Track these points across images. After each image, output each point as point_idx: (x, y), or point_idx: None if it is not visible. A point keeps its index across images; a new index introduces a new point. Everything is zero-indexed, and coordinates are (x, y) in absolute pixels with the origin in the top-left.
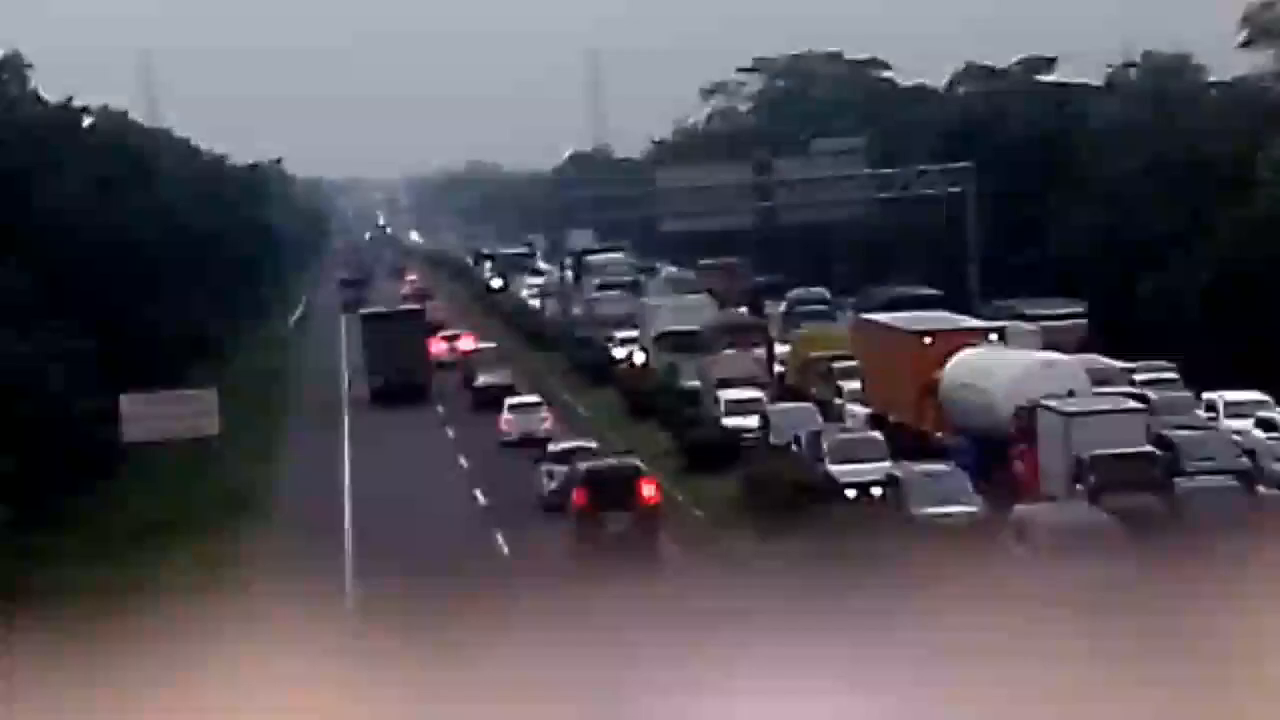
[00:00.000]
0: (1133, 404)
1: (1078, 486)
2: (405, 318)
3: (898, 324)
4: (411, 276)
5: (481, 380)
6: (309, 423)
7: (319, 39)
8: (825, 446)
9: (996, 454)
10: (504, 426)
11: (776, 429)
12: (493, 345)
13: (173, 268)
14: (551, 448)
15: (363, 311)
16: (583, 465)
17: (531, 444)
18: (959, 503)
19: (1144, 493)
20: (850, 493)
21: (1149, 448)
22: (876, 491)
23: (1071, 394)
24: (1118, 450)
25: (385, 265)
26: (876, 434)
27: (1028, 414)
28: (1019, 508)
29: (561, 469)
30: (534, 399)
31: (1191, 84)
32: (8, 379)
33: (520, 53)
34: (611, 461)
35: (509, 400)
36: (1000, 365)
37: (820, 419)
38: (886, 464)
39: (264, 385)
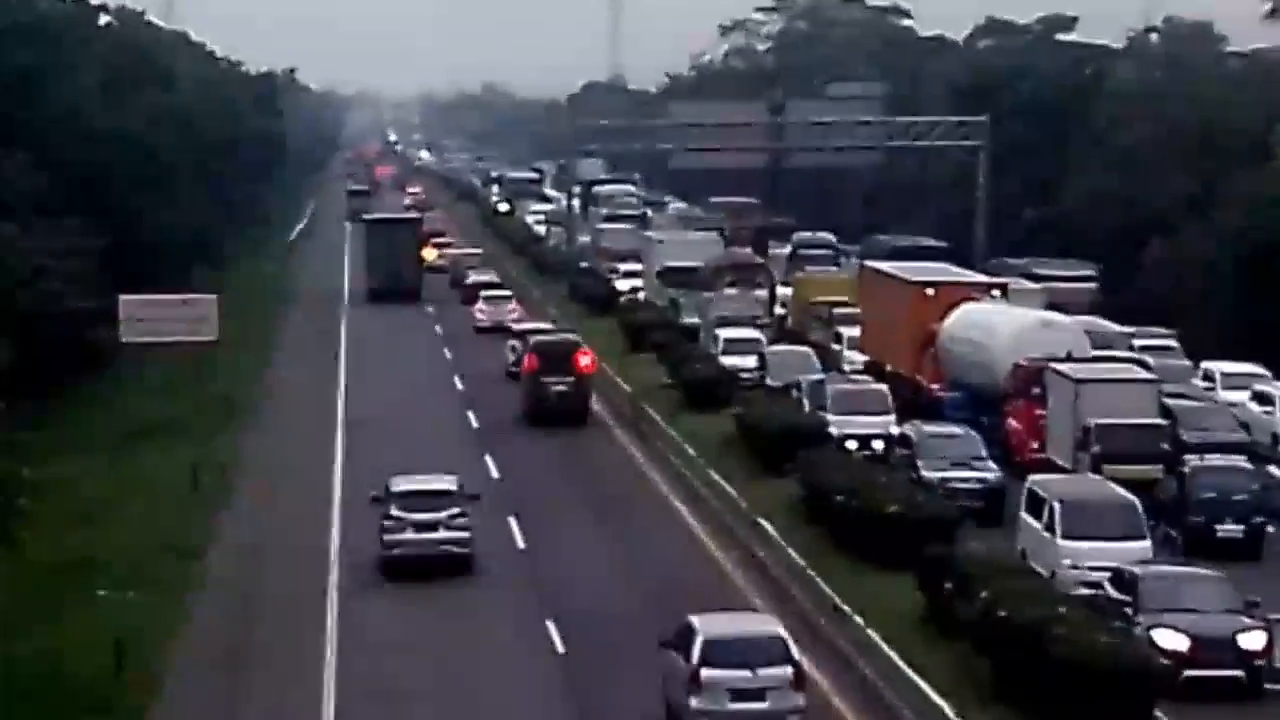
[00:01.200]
0: (1144, 374)
1: (1081, 454)
2: (403, 224)
3: (901, 274)
4: (414, 189)
5: (470, 279)
6: (307, 328)
7: None
8: (828, 396)
9: (990, 409)
10: (478, 315)
11: (774, 370)
12: (478, 250)
13: (182, 171)
14: (515, 328)
15: (364, 217)
16: (534, 339)
17: (501, 330)
18: (972, 468)
19: (1149, 465)
20: (850, 444)
21: (1158, 420)
22: (878, 446)
23: (1070, 355)
24: (1126, 420)
25: (391, 179)
26: (881, 386)
27: (1024, 371)
28: (1033, 479)
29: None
30: (506, 292)
31: (1211, 52)
32: (7, 272)
33: None
34: (557, 338)
35: (483, 292)
36: (1000, 321)
37: (818, 363)
38: (890, 418)
39: (265, 292)
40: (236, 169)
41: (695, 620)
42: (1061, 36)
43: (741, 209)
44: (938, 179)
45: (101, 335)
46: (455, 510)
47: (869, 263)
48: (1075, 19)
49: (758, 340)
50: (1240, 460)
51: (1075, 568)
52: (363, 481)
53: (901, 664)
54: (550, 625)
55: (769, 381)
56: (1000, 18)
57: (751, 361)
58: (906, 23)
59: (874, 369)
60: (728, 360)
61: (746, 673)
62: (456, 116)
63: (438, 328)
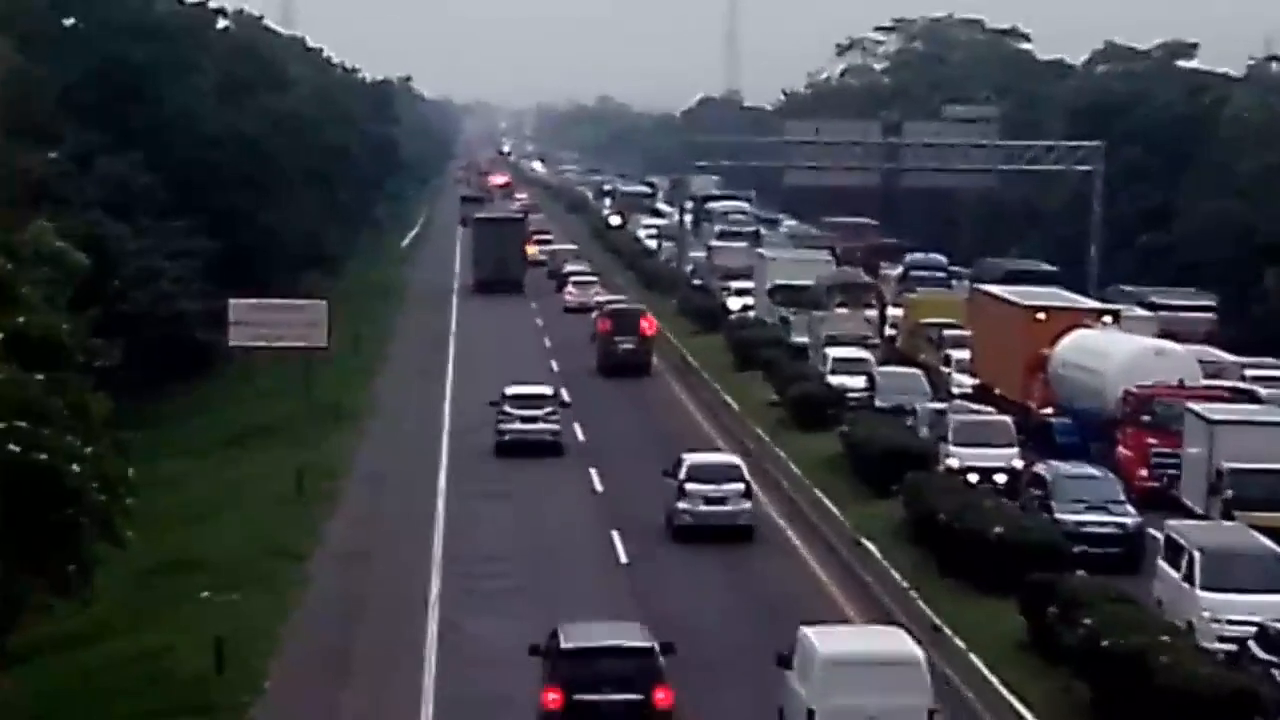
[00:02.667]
0: None
1: (1213, 498)
2: (509, 223)
3: (1012, 298)
4: (521, 196)
5: (566, 270)
6: (417, 334)
7: None
8: (950, 426)
9: (1100, 435)
10: (566, 297)
11: (883, 392)
12: (574, 246)
13: (295, 176)
14: (598, 302)
15: (474, 216)
16: (607, 307)
17: (587, 309)
18: (1110, 512)
19: None
20: (972, 478)
21: None
22: (1000, 479)
23: (1181, 384)
24: (1262, 465)
25: (501, 190)
26: (1005, 418)
27: (1135, 398)
28: (1171, 525)
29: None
30: (592, 277)
31: None
32: (121, 272)
33: None
34: (626, 306)
35: (573, 278)
36: (1112, 347)
37: (927, 385)
38: (1014, 450)
39: (377, 297)
40: (350, 175)
41: (683, 455)
42: (1181, 63)
43: (854, 229)
44: (1052, 203)
45: (211, 338)
46: (550, 409)
47: (980, 286)
48: (1195, 46)
49: (867, 360)
50: None
51: (1216, 621)
52: (465, 492)
53: (1001, 688)
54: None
55: (877, 403)
56: (1120, 43)
57: (860, 381)
58: (1025, 46)
59: (984, 392)
60: (836, 379)
61: (713, 486)
62: (570, 128)
63: (536, 314)
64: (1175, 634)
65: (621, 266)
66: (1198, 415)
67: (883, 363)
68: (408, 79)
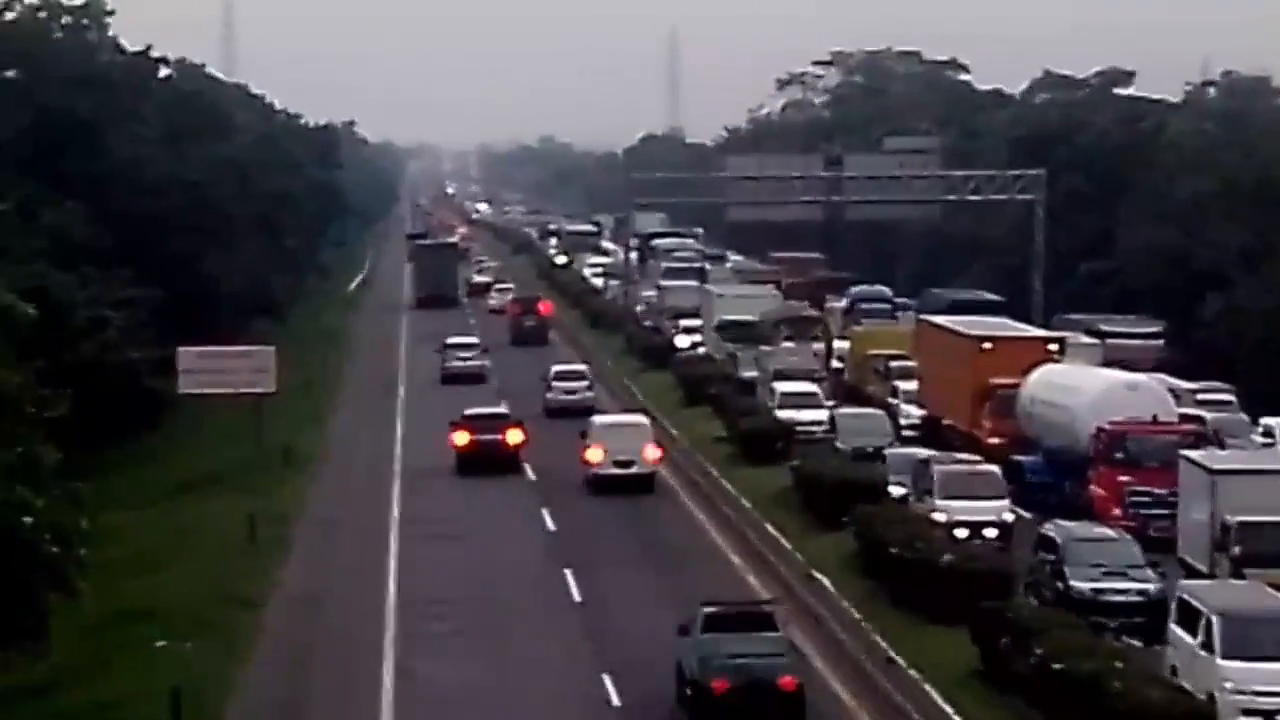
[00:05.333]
0: None
1: (1219, 554)
2: (444, 248)
3: (958, 328)
4: (462, 230)
5: (489, 282)
6: (366, 376)
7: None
8: (934, 478)
9: (1072, 473)
10: (490, 301)
11: (844, 433)
12: (497, 263)
13: (240, 223)
14: (516, 299)
15: (416, 242)
16: (518, 297)
17: (503, 311)
18: (1129, 577)
19: None
20: (961, 533)
21: None
22: (990, 534)
23: (1155, 419)
24: (1271, 518)
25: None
26: (993, 468)
27: (1108, 435)
28: (1185, 586)
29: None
30: (510, 285)
31: (1270, 107)
32: (66, 323)
33: (599, 32)
34: (529, 294)
35: (495, 287)
36: (1083, 382)
37: (890, 427)
38: (1004, 503)
39: (325, 344)
40: (295, 220)
41: (593, 418)
42: (1119, 91)
43: (799, 263)
44: (995, 233)
45: (160, 386)
46: (476, 352)
47: (927, 317)
48: (1133, 73)
49: (815, 394)
50: None
51: (1240, 693)
52: (418, 534)
53: (955, 717)
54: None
55: (838, 445)
56: (1058, 72)
57: (808, 415)
58: (964, 77)
59: (932, 423)
60: (784, 414)
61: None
62: (514, 168)
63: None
64: (1127, 659)
65: (568, 305)
66: (1197, 465)
67: (830, 396)
68: (350, 123)
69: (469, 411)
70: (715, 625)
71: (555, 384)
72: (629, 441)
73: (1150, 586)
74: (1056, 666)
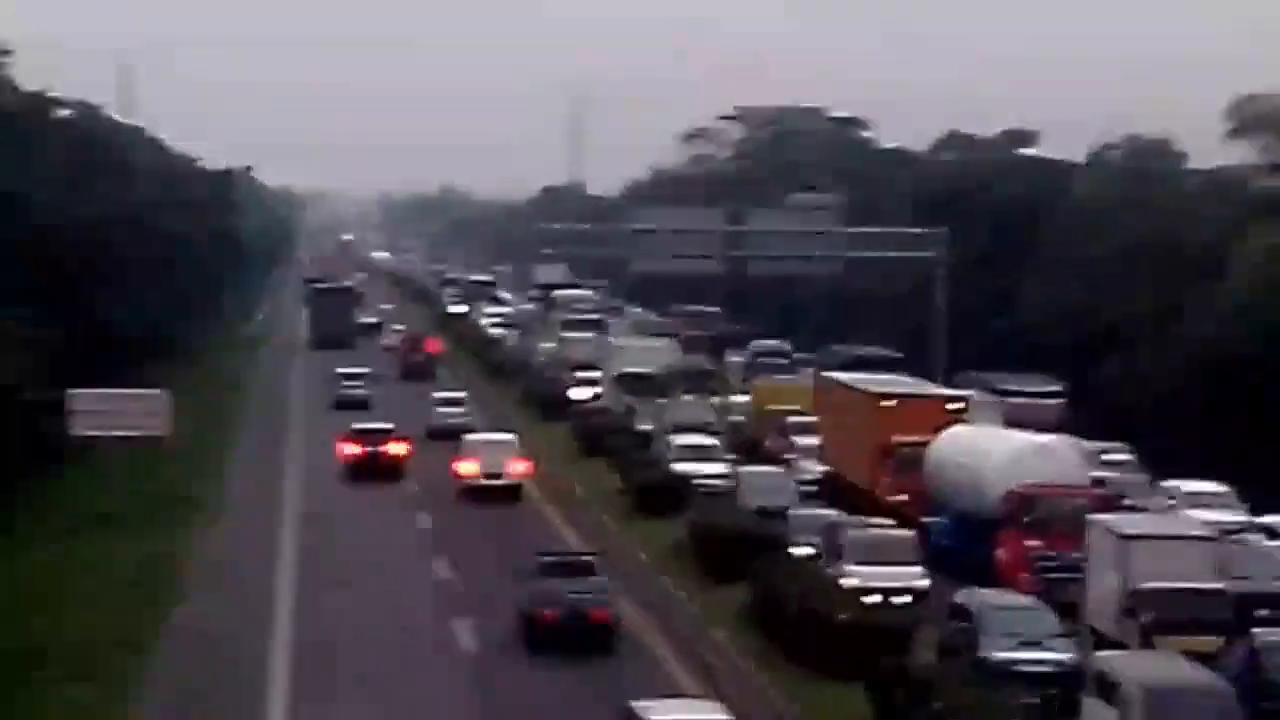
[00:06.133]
0: (1203, 530)
1: (1128, 620)
2: (340, 291)
3: (860, 385)
4: (359, 275)
5: (396, 327)
6: (257, 423)
7: (298, 43)
8: (845, 543)
9: (980, 537)
10: (384, 340)
11: (747, 492)
12: (391, 306)
13: (138, 266)
14: (406, 336)
15: (309, 283)
16: (408, 334)
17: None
18: (1046, 647)
19: (1208, 635)
20: (873, 599)
21: (1220, 584)
22: (898, 600)
23: (1065, 483)
24: (1181, 584)
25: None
26: (908, 533)
27: (1018, 498)
28: (1102, 658)
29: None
30: (401, 328)
31: (1172, 169)
32: None
33: (502, 82)
34: (417, 332)
35: (392, 328)
36: (993, 444)
37: (795, 486)
38: (918, 569)
39: (219, 388)
40: (193, 265)
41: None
42: (1023, 151)
43: (700, 316)
44: (897, 290)
45: (53, 429)
46: (364, 380)
47: (828, 373)
48: (1037, 134)
49: (712, 447)
50: None
51: None
52: (309, 579)
53: None
54: None
55: (741, 503)
56: (963, 131)
57: (705, 468)
58: (867, 134)
59: (832, 480)
60: (681, 467)
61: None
62: (414, 217)
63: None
64: (1025, 716)
65: (466, 355)
66: (1108, 529)
67: (728, 450)
68: (249, 169)
69: (357, 426)
70: (547, 570)
71: (437, 409)
72: (498, 456)
73: (1066, 657)
74: None
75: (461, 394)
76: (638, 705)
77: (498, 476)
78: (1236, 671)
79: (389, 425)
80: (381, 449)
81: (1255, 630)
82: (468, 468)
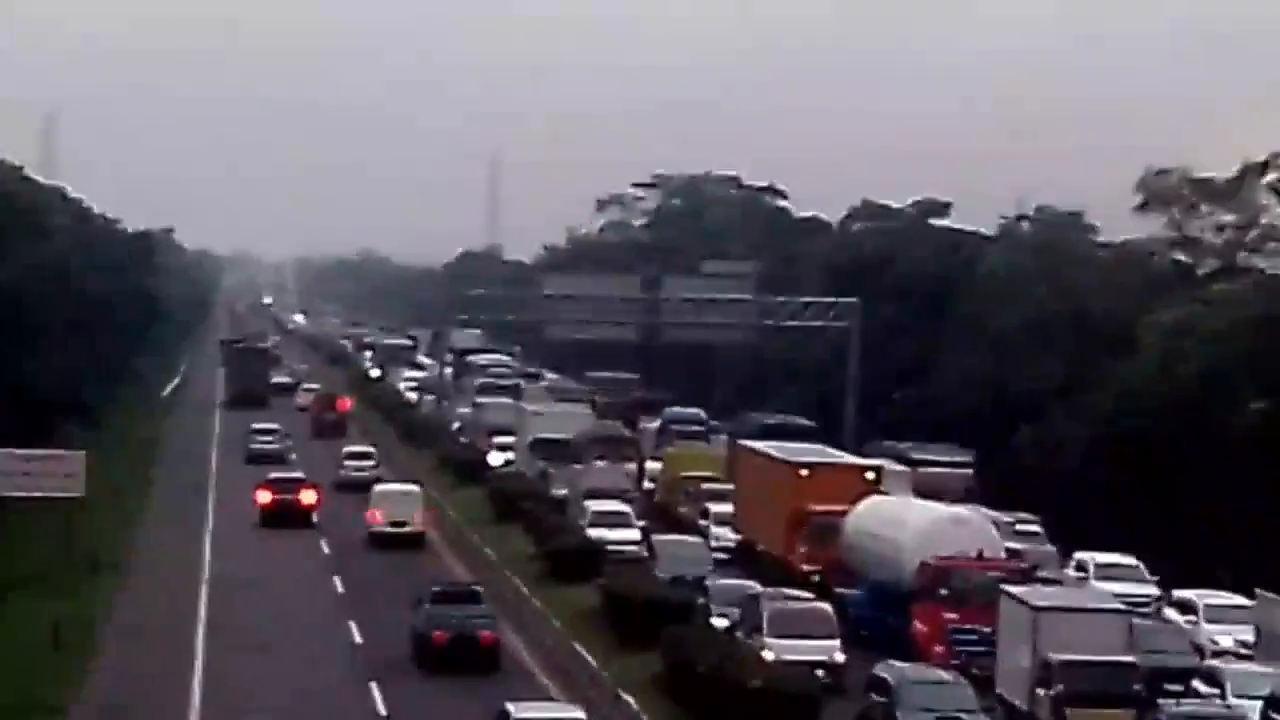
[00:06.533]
0: (1114, 604)
1: (1039, 693)
2: (256, 351)
3: (776, 454)
4: (274, 338)
5: (309, 387)
6: (176, 484)
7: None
8: (764, 615)
9: (896, 608)
10: (299, 399)
11: (663, 561)
12: (306, 366)
13: (54, 327)
14: (319, 396)
15: (229, 344)
16: (321, 394)
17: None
18: None
19: (1120, 709)
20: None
21: (1130, 657)
22: (819, 674)
23: (980, 554)
24: (1093, 658)
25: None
26: (825, 605)
27: (933, 570)
28: None
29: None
30: (315, 387)
31: (1082, 241)
32: None
33: (420, 146)
34: (329, 392)
35: (303, 387)
36: (909, 516)
37: (710, 556)
38: (835, 643)
39: (135, 450)
40: (110, 326)
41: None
42: (935, 221)
43: (614, 382)
44: (810, 358)
45: None
46: (276, 437)
47: (743, 441)
48: (949, 204)
49: (626, 513)
50: (1219, 704)
51: None
52: (224, 644)
53: None
54: None
55: (657, 572)
56: (875, 201)
57: (619, 534)
58: (782, 203)
59: (746, 548)
60: (595, 532)
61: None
62: (332, 280)
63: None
64: None
65: (381, 418)
66: (1019, 601)
67: (641, 516)
68: (169, 230)
69: (271, 475)
70: (439, 598)
71: (347, 462)
72: (403, 506)
73: (834, 647)
74: None
75: (370, 449)
76: (511, 705)
77: (402, 525)
78: None
79: (300, 475)
80: (293, 497)
81: (1161, 702)
82: (375, 516)
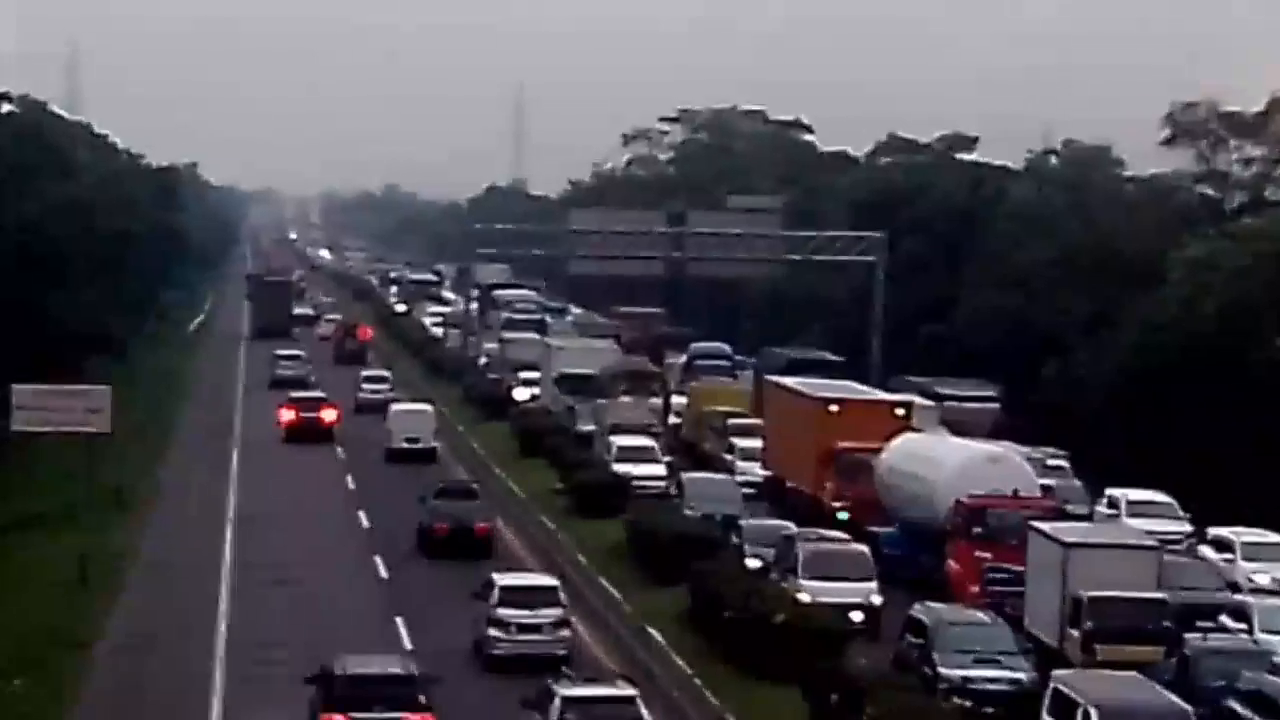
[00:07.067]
0: (1145, 539)
1: (1069, 629)
2: (280, 284)
3: (804, 389)
4: (299, 272)
5: (330, 317)
6: (202, 420)
7: (247, 42)
8: (799, 557)
9: (930, 547)
10: (320, 329)
11: (692, 498)
12: (331, 299)
13: (80, 262)
14: (340, 325)
15: (254, 277)
16: (342, 323)
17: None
18: (1001, 665)
19: (1149, 645)
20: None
21: (1160, 594)
22: (856, 617)
23: (1016, 493)
24: (1123, 594)
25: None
26: (862, 547)
27: (967, 509)
28: (1059, 676)
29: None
30: (337, 316)
31: (1109, 176)
32: None
33: (445, 82)
34: (351, 320)
35: (325, 317)
36: (944, 454)
37: (740, 494)
38: (872, 584)
39: (162, 385)
40: (136, 261)
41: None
42: (961, 156)
43: (640, 318)
44: (836, 293)
45: None
46: (301, 362)
47: (772, 377)
48: (976, 139)
49: (651, 448)
50: (1247, 639)
51: None
52: (250, 578)
53: None
54: None
55: (686, 511)
56: (901, 135)
57: (644, 469)
58: (808, 137)
59: (774, 484)
60: (621, 467)
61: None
62: (357, 216)
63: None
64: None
65: (408, 353)
66: (1049, 537)
67: (668, 450)
68: (193, 165)
69: (294, 395)
70: (441, 494)
71: (364, 385)
72: (417, 423)
73: (1024, 675)
74: None
75: (385, 372)
76: (497, 575)
77: (416, 441)
78: (1169, 679)
79: (322, 394)
80: (315, 415)
81: (1187, 636)
82: (390, 433)
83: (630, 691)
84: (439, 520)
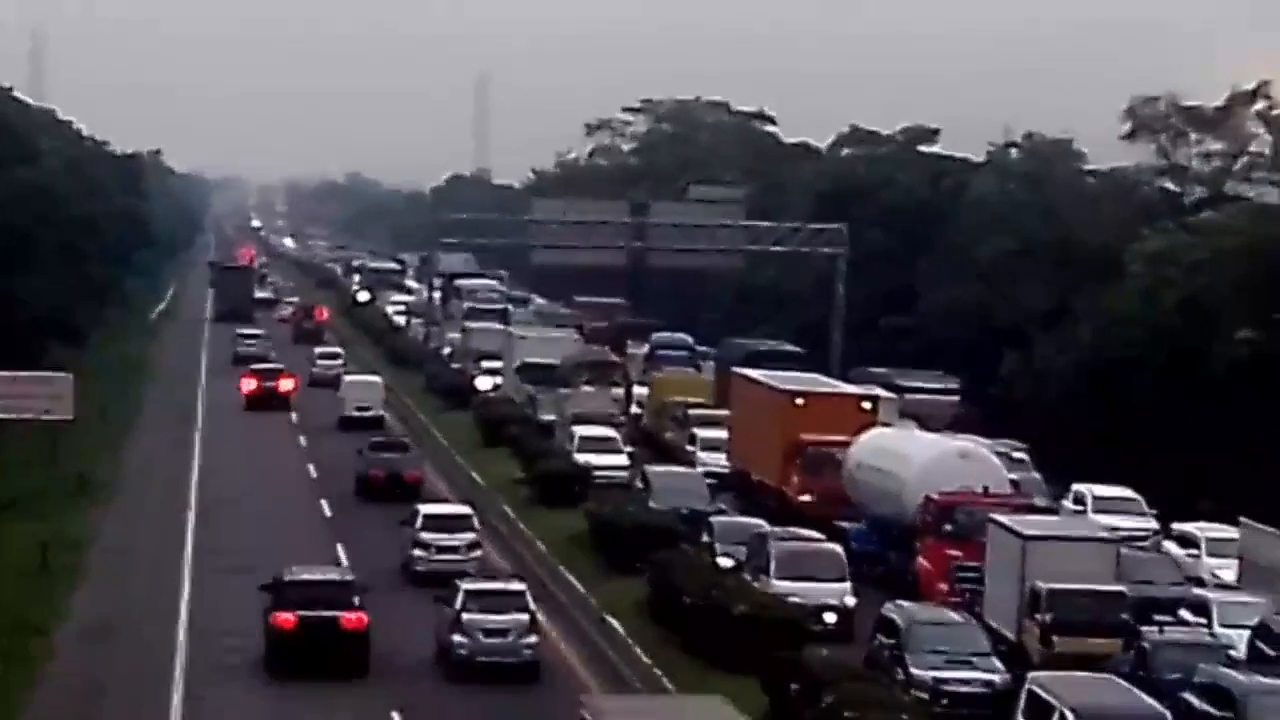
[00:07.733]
0: (1103, 533)
1: (1027, 621)
2: (242, 270)
3: (771, 382)
4: (262, 259)
5: (289, 300)
6: (164, 407)
7: (212, 29)
8: (771, 556)
9: (899, 543)
10: (281, 312)
11: (658, 493)
12: (292, 284)
13: (43, 249)
14: (298, 307)
15: (216, 264)
16: (300, 305)
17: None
18: (974, 666)
19: (1107, 637)
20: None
21: (1119, 586)
22: (830, 619)
23: (986, 490)
24: (1081, 586)
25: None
26: (835, 547)
27: (937, 505)
28: (1035, 678)
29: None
30: (295, 299)
31: (1070, 170)
32: None
33: (409, 71)
34: (307, 302)
35: (285, 300)
36: (913, 449)
37: (707, 488)
38: (846, 585)
39: (124, 372)
40: (99, 248)
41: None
42: (923, 148)
43: (602, 308)
44: (798, 284)
45: None
46: (261, 340)
47: (737, 369)
48: (937, 131)
49: (613, 439)
50: (1204, 633)
51: None
52: (211, 566)
53: None
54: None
55: (651, 504)
56: (863, 127)
57: (606, 459)
58: (771, 128)
59: (740, 478)
60: (582, 457)
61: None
62: (321, 204)
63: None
64: (915, 712)
65: (369, 342)
66: (1007, 529)
67: (628, 441)
68: (158, 152)
69: (255, 366)
70: (375, 447)
71: (319, 361)
72: (367, 393)
73: (996, 677)
74: (847, 715)
75: (338, 349)
76: (421, 506)
77: (367, 409)
78: (1126, 671)
79: (281, 365)
80: (273, 384)
81: (1144, 629)
82: (342, 403)
83: (520, 586)
84: (375, 468)
